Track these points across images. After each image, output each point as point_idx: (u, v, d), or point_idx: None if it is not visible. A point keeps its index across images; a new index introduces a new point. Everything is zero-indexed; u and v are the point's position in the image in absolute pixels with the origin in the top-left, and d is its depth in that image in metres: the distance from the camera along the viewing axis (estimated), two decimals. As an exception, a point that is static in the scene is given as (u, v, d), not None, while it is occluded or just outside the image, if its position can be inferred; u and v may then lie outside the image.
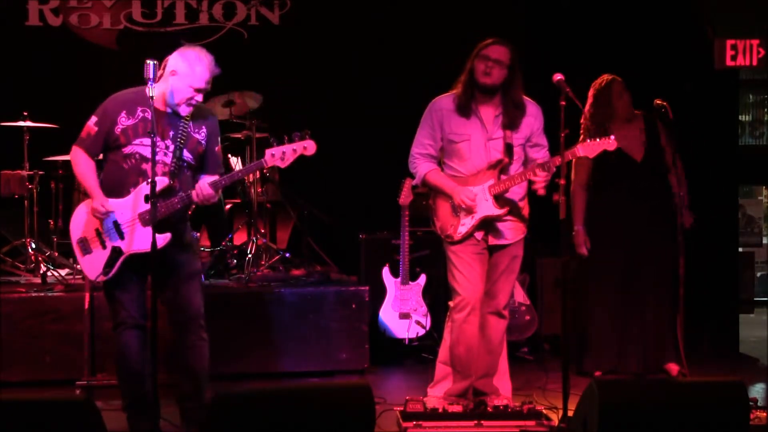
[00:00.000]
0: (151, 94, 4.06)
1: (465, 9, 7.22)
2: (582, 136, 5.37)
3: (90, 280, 4.35)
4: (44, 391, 5.10)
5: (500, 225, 4.69)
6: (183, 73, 4.20)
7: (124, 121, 4.24)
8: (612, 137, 4.50)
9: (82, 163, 4.29)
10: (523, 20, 7.23)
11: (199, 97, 4.24)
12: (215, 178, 4.28)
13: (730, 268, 7.09)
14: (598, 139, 4.50)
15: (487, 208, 4.62)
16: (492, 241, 4.70)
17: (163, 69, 4.25)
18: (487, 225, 4.68)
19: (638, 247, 5.55)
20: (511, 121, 4.67)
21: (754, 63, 6.15)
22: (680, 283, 5.09)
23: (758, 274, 9.90)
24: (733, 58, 6.12)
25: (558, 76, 4.35)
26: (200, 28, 7.43)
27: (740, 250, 7.97)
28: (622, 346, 5.63)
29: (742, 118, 9.92)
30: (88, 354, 5.33)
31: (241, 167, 6.85)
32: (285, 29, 7.49)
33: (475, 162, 4.68)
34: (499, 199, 4.64)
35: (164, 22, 7.30)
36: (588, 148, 4.52)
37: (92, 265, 4.25)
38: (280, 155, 4.22)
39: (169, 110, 4.24)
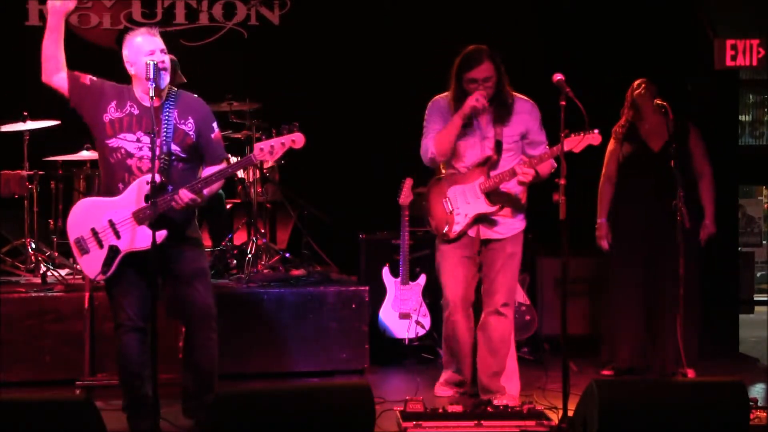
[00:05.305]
0: (151, 94, 4.06)
1: (466, 9, 7.21)
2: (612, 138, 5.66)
3: (90, 279, 4.33)
4: (44, 391, 5.09)
5: (493, 219, 4.79)
6: (131, 52, 4.23)
7: (113, 111, 4.26)
8: (596, 131, 4.48)
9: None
10: (524, 21, 7.23)
11: (158, 57, 4.17)
12: (214, 169, 4.27)
13: (730, 268, 7.08)
14: (583, 134, 4.46)
15: (479, 205, 4.75)
16: (485, 234, 4.81)
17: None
18: (481, 220, 4.79)
19: (659, 245, 5.51)
20: (501, 117, 4.75)
21: (754, 63, 6.14)
22: (680, 283, 5.09)
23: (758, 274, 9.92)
24: (733, 58, 6.12)
25: (558, 76, 4.35)
26: (200, 28, 7.43)
27: (740, 250, 7.96)
28: (642, 346, 5.66)
29: (742, 118, 9.90)
30: (88, 354, 5.33)
31: (240, 167, 6.84)
32: (285, 29, 7.48)
33: (470, 159, 4.79)
34: (491, 195, 4.73)
35: (164, 22, 7.27)
36: (572, 142, 4.47)
37: (91, 264, 4.23)
38: (269, 149, 4.19)
39: (152, 103, 4.11)
